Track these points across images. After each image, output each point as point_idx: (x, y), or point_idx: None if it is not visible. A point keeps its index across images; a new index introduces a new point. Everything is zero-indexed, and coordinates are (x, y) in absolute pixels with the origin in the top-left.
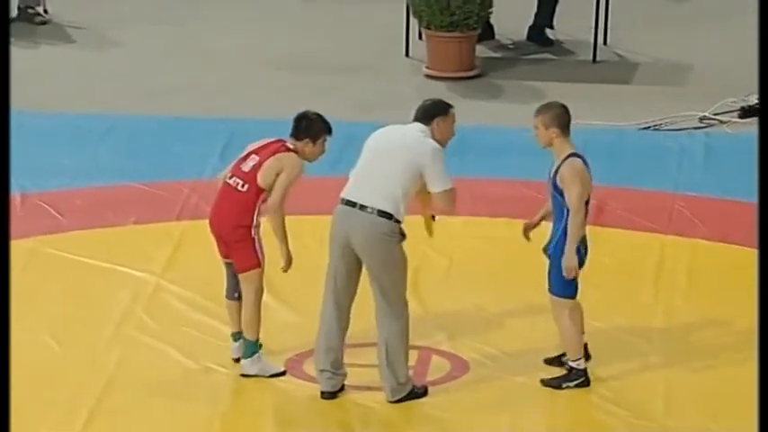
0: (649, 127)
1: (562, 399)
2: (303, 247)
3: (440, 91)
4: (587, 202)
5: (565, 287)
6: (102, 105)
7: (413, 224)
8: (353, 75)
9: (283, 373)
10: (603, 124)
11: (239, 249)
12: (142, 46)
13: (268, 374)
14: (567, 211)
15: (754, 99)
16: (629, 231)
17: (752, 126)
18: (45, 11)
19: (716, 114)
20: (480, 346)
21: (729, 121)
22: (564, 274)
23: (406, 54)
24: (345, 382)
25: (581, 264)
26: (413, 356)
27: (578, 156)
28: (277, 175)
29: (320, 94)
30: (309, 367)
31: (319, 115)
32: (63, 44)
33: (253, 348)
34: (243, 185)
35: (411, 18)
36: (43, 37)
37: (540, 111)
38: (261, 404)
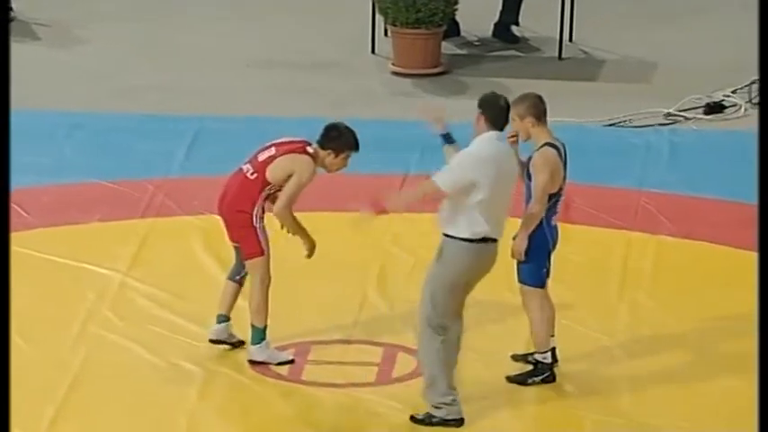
0: (615, 124)
1: (529, 395)
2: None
3: (406, 88)
4: (557, 194)
5: (532, 275)
6: (68, 103)
7: (378, 220)
8: (321, 72)
9: (292, 362)
10: (569, 121)
11: (243, 236)
12: (109, 44)
13: (276, 362)
14: None
15: (719, 95)
16: (595, 228)
17: (716, 123)
18: (10, 8)
19: (681, 111)
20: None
21: (694, 117)
22: (511, 256)
23: (372, 51)
24: (312, 379)
25: (549, 252)
26: (377, 354)
27: (553, 146)
28: (287, 175)
29: (288, 92)
30: (279, 366)
31: (350, 129)
32: (29, 41)
33: (260, 336)
34: (252, 173)
35: (377, 15)
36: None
37: (514, 103)
38: (229, 402)
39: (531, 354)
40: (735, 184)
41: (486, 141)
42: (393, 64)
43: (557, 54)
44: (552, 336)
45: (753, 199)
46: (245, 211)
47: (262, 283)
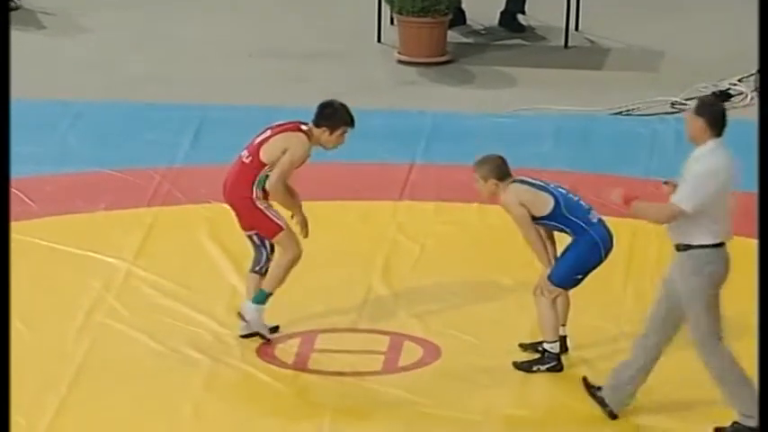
0: (621, 112)
1: (535, 384)
2: None
3: (411, 76)
4: (554, 213)
5: (564, 279)
6: (72, 92)
7: (383, 209)
8: (326, 61)
9: (267, 341)
10: (575, 110)
11: (255, 219)
12: (113, 33)
13: (254, 330)
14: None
15: (725, 84)
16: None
17: None
18: None
19: (687, 100)
20: (453, 332)
21: None
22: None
23: (378, 40)
24: (318, 367)
25: (596, 264)
26: (383, 342)
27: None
28: (281, 152)
29: (293, 81)
30: (282, 352)
31: (345, 106)
32: (34, 30)
33: (261, 299)
34: (248, 157)
35: (383, 4)
36: (13, 23)
37: (476, 165)
38: (235, 390)
39: (540, 342)
40: (741, 173)
41: (714, 154)
42: (399, 53)
43: (563, 43)
44: (563, 325)
45: (753, 188)
46: (244, 195)
47: (291, 256)
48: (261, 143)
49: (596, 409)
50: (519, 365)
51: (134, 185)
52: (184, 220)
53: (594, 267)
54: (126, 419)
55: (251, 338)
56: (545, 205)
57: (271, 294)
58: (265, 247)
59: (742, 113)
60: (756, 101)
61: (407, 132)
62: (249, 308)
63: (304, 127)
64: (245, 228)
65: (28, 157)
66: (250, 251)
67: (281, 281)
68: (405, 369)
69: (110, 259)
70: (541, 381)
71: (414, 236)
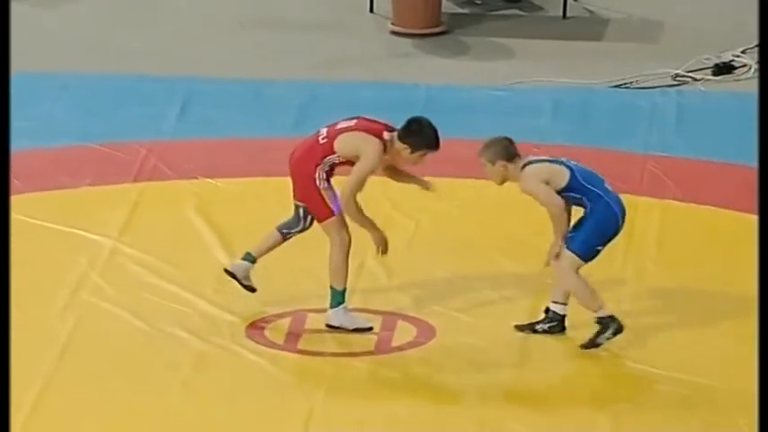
0: (620, 85)
1: (531, 364)
2: (265, 209)
3: (405, 48)
4: (571, 186)
5: (586, 249)
6: (56, 64)
7: (375, 185)
8: (317, 32)
9: (370, 329)
10: (573, 82)
11: (309, 199)
12: (100, 3)
13: (352, 328)
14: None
15: (728, 56)
16: None
17: (726, 84)
18: None
19: (689, 72)
20: (447, 312)
21: (703, 78)
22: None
23: (371, 10)
24: (309, 348)
25: (614, 233)
26: (376, 322)
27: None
28: (353, 152)
29: (283, 53)
30: (272, 333)
31: (432, 127)
32: (19, 0)
33: (338, 298)
34: (323, 138)
35: None
36: None
37: (482, 149)
38: (224, 371)
39: (537, 322)
40: (743, 148)
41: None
42: (392, 23)
43: (561, 13)
44: (564, 303)
45: None
46: (307, 173)
47: (340, 245)
48: (341, 130)
49: (595, 391)
50: (585, 345)
51: (119, 160)
52: (171, 196)
53: (612, 237)
54: (113, 399)
55: (242, 318)
56: (562, 177)
57: (344, 290)
58: (305, 221)
59: (745, 86)
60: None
61: (401, 105)
62: (333, 315)
63: (387, 135)
64: (296, 198)
65: (12, 130)
66: (239, 227)
67: (343, 271)
68: (398, 349)
69: (95, 236)
70: (538, 361)
71: (408, 212)
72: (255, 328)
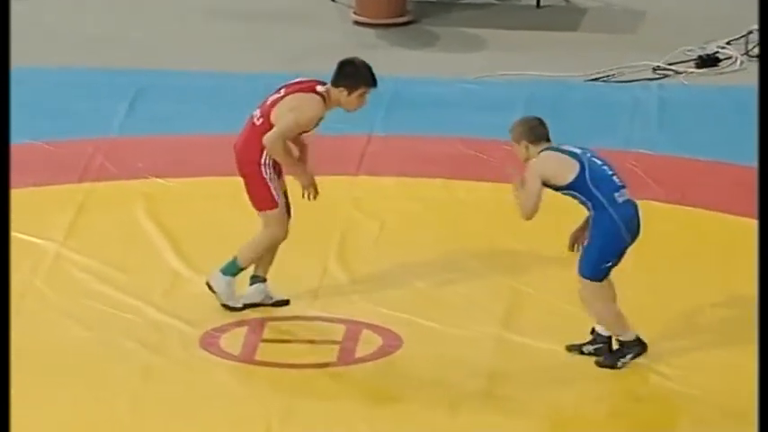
0: (598, 78)
1: (503, 377)
2: (219, 211)
3: (369, 39)
4: (578, 180)
5: (595, 270)
6: None
7: (338, 185)
8: (276, 23)
9: (240, 309)
10: (548, 76)
11: (250, 185)
12: None
13: (223, 302)
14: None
15: (713, 47)
16: None
17: (710, 77)
18: None
19: (671, 64)
20: (415, 319)
21: (685, 71)
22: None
23: None
24: (266, 359)
25: (620, 240)
26: (339, 331)
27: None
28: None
29: (241, 44)
30: (227, 343)
31: (366, 65)
32: None
33: (232, 270)
34: (259, 118)
35: None
36: None
37: (511, 127)
38: (175, 383)
39: (588, 342)
40: (730, 144)
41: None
42: (355, 13)
43: (535, 2)
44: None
45: (750, 160)
46: (252, 160)
47: (271, 236)
48: (273, 103)
49: (567, 401)
50: (602, 364)
51: (65, 159)
52: (119, 197)
53: (622, 251)
54: (56, 415)
55: (195, 328)
56: (569, 172)
57: (242, 269)
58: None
59: (731, 79)
60: (748, 65)
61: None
62: (218, 278)
63: (320, 88)
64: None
65: None
66: (191, 230)
67: (255, 256)
68: (362, 360)
69: (38, 240)
70: (510, 373)
71: (372, 213)
72: (209, 337)
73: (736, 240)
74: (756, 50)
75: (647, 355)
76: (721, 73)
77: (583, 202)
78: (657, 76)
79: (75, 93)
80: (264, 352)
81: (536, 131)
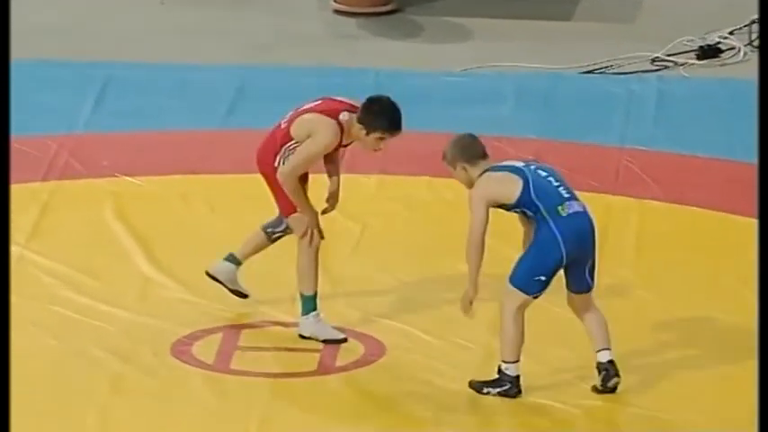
0: (593, 70)
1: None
2: (191, 211)
3: (350, 29)
4: (522, 200)
5: (524, 281)
6: None
7: (315, 184)
8: (249, 10)
9: (344, 341)
10: (540, 67)
11: (273, 189)
12: None
13: (321, 339)
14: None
15: (714, 37)
16: None
17: (711, 69)
18: None
19: (670, 55)
20: (398, 326)
21: (686, 63)
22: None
23: None
24: (243, 368)
25: (557, 262)
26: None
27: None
28: (307, 135)
29: (211, 34)
30: (200, 350)
31: (394, 107)
32: None
33: (309, 306)
34: (285, 123)
35: None
36: None
37: (443, 151)
38: (145, 395)
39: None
40: (732, 140)
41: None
42: (335, 1)
43: None
44: (607, 349)
45: (752, 157)
46: (268, 162)
47: (304, 243)
48: (300, 113)
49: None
50: (472, 384)
51: (28, 156)
52: (86, 197)
53: (557, 266)
54: (20, 428)
55: (167, 335)
56: (514, 190)
57: (315, 295)
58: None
59: (733, 71)
60: (751, 56)
61: (345, 93)
62: (304, 324)
63: (344, 116)
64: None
65: None
66: (162, 232)
67: (311, 274)
68: (343, 369)
69: None
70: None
71: (353, 214)
72: (182, 345)
73: (735, 242)
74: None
75: (636, 367)
76: (723, 64)
77: (530, 218)
78: (656, 68)
79: (37, 86)
80: (240, 360)
81: (470, 150)
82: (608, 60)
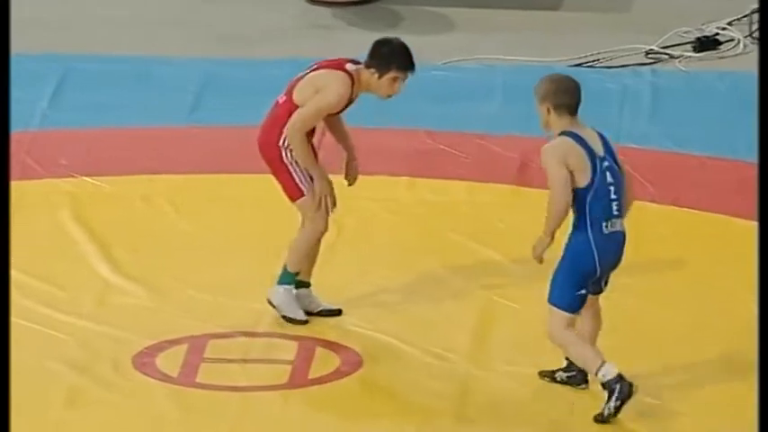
0: (584, 63)
1: (474, 401)
2: (155, 214)
3: (324, 19)
4: (588, 189)
5: (565, 300)
6: None
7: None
8: (218, 0)
9: (305, 322)
10: (527, 60)
11: (278, 173)
12: None
13: (281, 313)
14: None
15: (712, 29)
16: None
17: (709, 62)
18: None
19: (665, 47)
20: (375, 335)
21: (682, 55)
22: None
23: None
24: (209, 381)
25: (591, 269)
26: (290, 349)
27: (570, 134)
28: (315, 92)
29: (174, 25)
30: (164, 363)
31: (405, 48)
32: None
33: (287, 279)
34: (283, 97)
35: None
36: None
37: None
38: (104, 410)
39: (562, 369)
40: (731, 138)
41: None
42: None
43: None
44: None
45: (754, 156)
46: (272, 142)
47: (311, 230)
48: (298, 80)
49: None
50: (596, 418)
51: None
52: (42, 198)
53: (591, 278)
54: None
55: (128, 346)
56: (582, 180)
57: (297, 274)
58: None
59: (732, 64)
60: (751, 48)
61: None
62: (275, 292)
63: (350, 66)
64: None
65: None
66: (123, 236)
67: (305, 256)
68: (317, 381)
69: None
70: (481, 399)
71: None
72: (145, 357)
73: (735, 245)
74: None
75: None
76: (722, 57)
77: (574, 217)
78: (650, 61)
79: None
80: (207, 373)
81: (564, 97)
82: (600, 53)
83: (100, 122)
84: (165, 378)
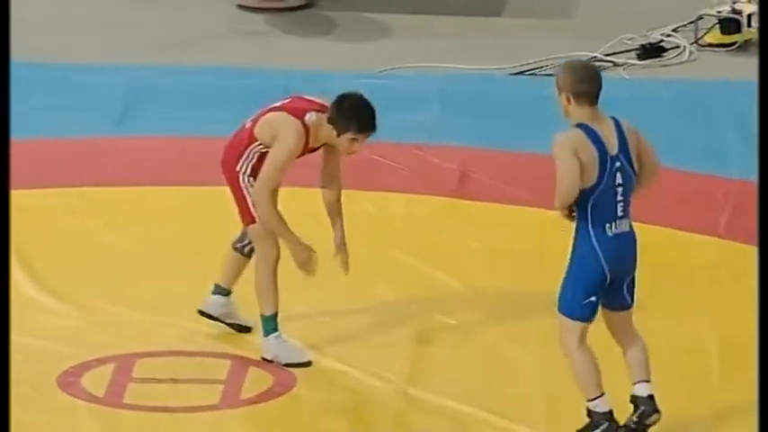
0: (525, 71)
1: (413, 422)
2: (80, 228)
3: (256, 25)
4: (594, 189)
5: (573, 307)
6: None
7: (218, 197)
8: (147, 5)
9: (308, 364)
10: (466, 68)
11: (234, 193)
12: None
13: (283, 362)
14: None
15: (657, 35)
16: (501, 205)
17: (654, 69)
18: None
19: (609, 55)
20: (310, 354)
21: (626, 63)
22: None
23: None
24: (137, 401)
25: (600, 275)
26: (223, 368)
27: (584, 126)
28: (270, 136)
29: (103, 30)
30: (90, 382)
31: (368, 106)
32: None
33: (268, 326)
34: (250, 122)
35: None
36: None
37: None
38: (29, 430)
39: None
40: (678, 148)
41: None
42: None
43: None
44: (647, 381)
45: (700, 167)
46: (231, 164)
47: (264, 259)
48: (266, 111)
49: None
50: None
51: None
52: None
53: (601, 284)
54: None
55: (52, 365)
56: (591, 176)
57: (275, 315)
58: None
59: (678, 72)
60: (697, 55)
61: (251, 96)
62: (266, 345)
63: (310, 117)
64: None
65: None
66: (47, 251)
67: (270, 291)
68: (249, 402)
69: None
70: (417, 421)
71: None
72: (69, 376)
73: (684, 260)
74: (706, 39)
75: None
76: (666, 65)
77: (578, 219)
78: None
79: None
80: (134, 393)
81: (584, 86)
82: (542, 60)
83: (22, 134)
84: (91, 398)
